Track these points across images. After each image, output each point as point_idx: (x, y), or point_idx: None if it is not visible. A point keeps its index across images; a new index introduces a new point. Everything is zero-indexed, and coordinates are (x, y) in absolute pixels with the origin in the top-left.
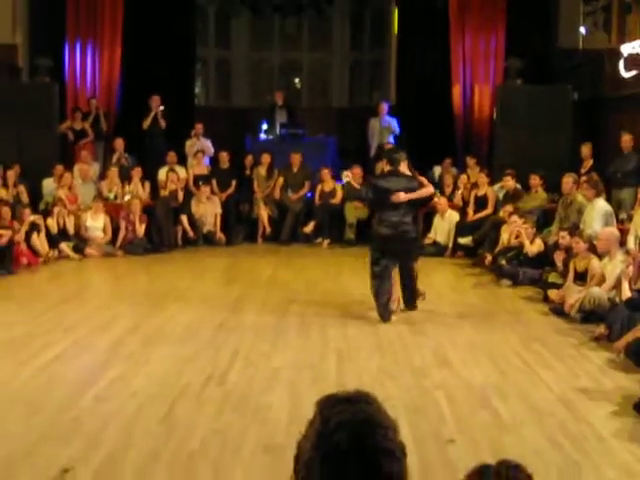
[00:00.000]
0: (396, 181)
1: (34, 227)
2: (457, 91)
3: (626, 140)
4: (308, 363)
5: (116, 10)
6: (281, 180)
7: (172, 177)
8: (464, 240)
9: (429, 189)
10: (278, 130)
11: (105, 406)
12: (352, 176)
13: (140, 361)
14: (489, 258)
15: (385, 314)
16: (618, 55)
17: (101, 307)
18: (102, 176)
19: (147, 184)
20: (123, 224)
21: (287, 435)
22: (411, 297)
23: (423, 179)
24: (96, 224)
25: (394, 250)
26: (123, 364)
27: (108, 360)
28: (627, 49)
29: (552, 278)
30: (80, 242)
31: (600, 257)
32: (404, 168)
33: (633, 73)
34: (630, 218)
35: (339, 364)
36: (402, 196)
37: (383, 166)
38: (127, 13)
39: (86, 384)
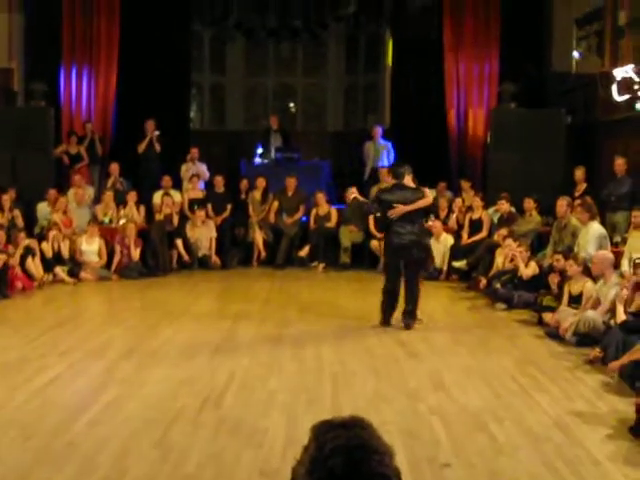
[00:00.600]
0: (400, 194)
1: (29, 251)
2: (451, 115)
3: (619, 164)
4: (303, 387)
5: (112, 35)
6: (276, 204)
7: (167, 201)
8: (458, 264)
9: (427, 199)
10: (273, 154)
11: (99, 430)
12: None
13: (135, 385)
14: (483, 281)
15: (386, 319)
16: (611, 79)
17: (96, 331)
18: (97, 200)
19: (142, 208)
20: (118, 248)
21: (283, 460)
22: (413, 308)
23: (425, 189)
24: (91, 248)
25: (404, 258)
26: (118, 388)
27: (103, 384)
28: (620, 73)
29: (547, 301)
30: (75, 266)
31: (595, 280)
32: (409, 181)
33: (626, 97)
34: (624, 241)
35: (334, 388)
36: (398, 209)
37: (378, 189)
38: (123, 38)
39: (80, 408)
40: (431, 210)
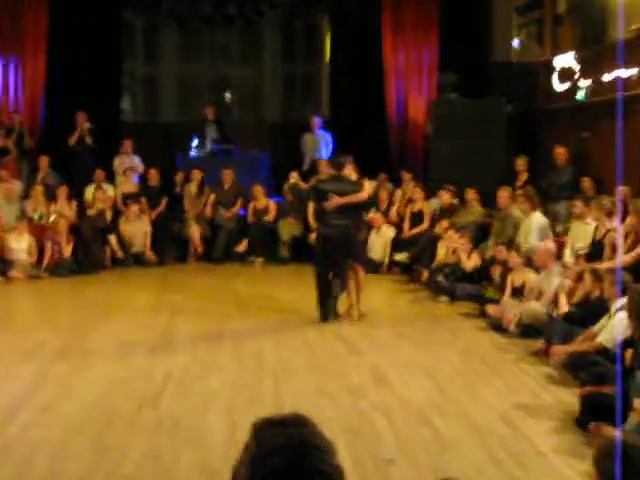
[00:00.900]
0: (337, 185)
1: None
2: (391, 105)
3: (560, 153)
4: (244, 385)
5: (39, 23)
6: (212, 197)
7: (100, 195)
8: (400, 256)
9: (362, 194)
10: (209, 146)
11: (34, 433)
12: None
13: (69, 386)
14: (425, 274)
15: (325, 315)
16: (551, 68)
17: (27, 332)
18: (26, 195)
19: (73, 203)
20: (49, 245)
21: (224, 459)
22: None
23: (365, 182)
24: (20, 245)
25: (332, 250)
26: (51, 390)
27: (36, 386)
28: (560, 61)
29: (489, 293)
30: (3, 264)
31: (537, 271)
32: (349, 172)
33: (566, 86)
34: (566, 231)
35: (275, 385)
36: (333, 201)
37: (316, 180)
38: (52, 26)
39: (13, 412)
40: (369, 205)
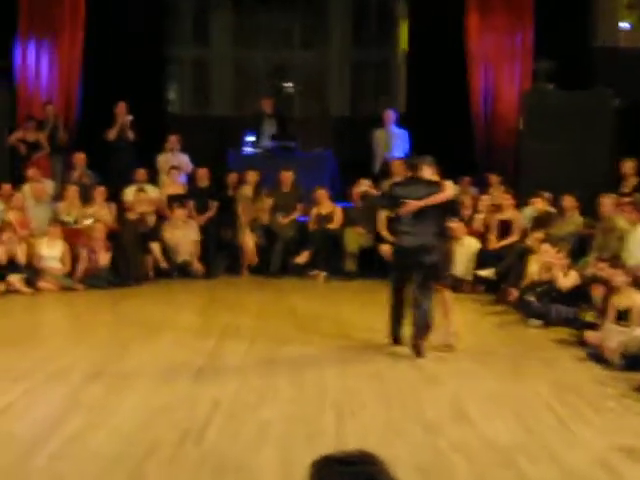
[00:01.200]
0: (414, 188)
1: None
2: (477, 98)
3: None
4: (302, 417)
5: (77, 4)
6: (269, 202)
7: (141, 198)
8: (485, 272)
9: (445, 193)
10: (266, 143)
11: (61, 467)
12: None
13: (103, 414)
14: (515, 294)
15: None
16: None
17: (57, 350)
18: (59, 196)
19: (112, 206)
20: (84, 253)
21: None
22: (420, 330)
23: (446, 183)
24: (52, 252)
25: (411, 265)
26: (82, 418)
27: (65, 413)
28: None
29: (589, 317)
30: (33, 274)
31: None
32: (428, 175)
33: None
34: None
35: (339, 419)
36: (409, 205)
37: (390, 183)
38: (90, 7)
39: (39, 441)
40: (452, 208)
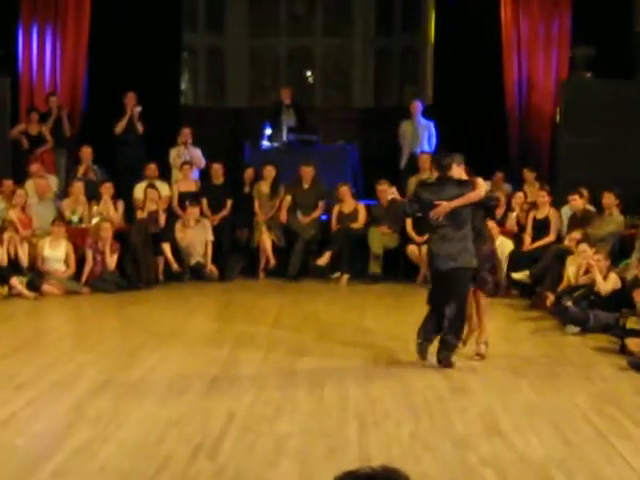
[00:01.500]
0: (444, 190)
1: None
2: (511, 88)
3: None
4: (322, 430)
5: None
6: (288, 199)
7: (152, 195)
8: (519, 275)
9: (478, 191)
10: (285, 136)
11: None
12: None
13: (110, 426)
14: (551, 298)
15: (439, 357)
16: None
17: (62, 358)
18: (64, 193)
19: (120, 204)
20: (90, 254)
21: None
22: (453, 338)
23: (478, 180)
24: (56, 254)
25: (447, 275)
26: (89, 430)
27: (70, 425)
28: None
29: (631, 324)
30: (36, 276)
31: None
32: (459, 174)
33: None
34: None
35: (361, 432)
36: (441, 208)
37: (418, 180)
38: None
39: (42, 456)
40: (488, 206)
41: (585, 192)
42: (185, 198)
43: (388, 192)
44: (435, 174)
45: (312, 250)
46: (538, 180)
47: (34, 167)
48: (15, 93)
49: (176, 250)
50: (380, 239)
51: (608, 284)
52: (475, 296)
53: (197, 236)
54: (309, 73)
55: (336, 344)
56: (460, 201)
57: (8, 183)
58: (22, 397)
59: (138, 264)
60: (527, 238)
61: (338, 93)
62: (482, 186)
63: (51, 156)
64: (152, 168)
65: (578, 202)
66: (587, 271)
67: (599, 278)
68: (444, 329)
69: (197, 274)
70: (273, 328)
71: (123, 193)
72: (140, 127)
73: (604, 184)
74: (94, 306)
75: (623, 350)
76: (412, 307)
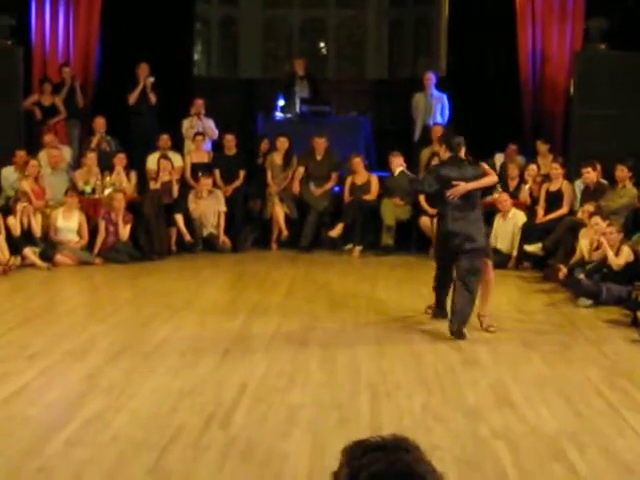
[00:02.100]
0: (460, 170)
1: None
2: (524, 60)
3: None
4: (334, 401)
5: None
6: (301, 170)
7: (165, 166)
8: (532, 247)
9: (492, 177)
10: (298, 107)
11: (79, 453)
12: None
13: (123, 396)
14: (564, 270)
15: (453, 329)
16: None
17: (75, 328)
18: (77, 164)
19: (133, 174)
20: (103, 225)
21: None
22: (462, 315)
23: (485, 166)
24: (69, 224)
25: (457, 249)
26: (102, 400)
27: (83, 395)
28: None
29: None
30: (49, 247)
31: None
32: (463, 154)
33: None
34: None
35: (373, 403)
36: (460, 187)
37: (431, 152)
38: None
39: (55, 425)
40: (490, 188)
41: (598, 165)
42: (198, 169)
43: (395, 163)
44: (441, 149)
45: (325, 222)
46: (551, 152)
47: (48, 137)
48: (28, 63)
49: (189, 221)
50: (393, 211)
51: (621, 258)
52: (485, 270)
53: (210, 207)
54: (322, 44)
55: (348, 316)
56: (478, 184)
57: (21, 154)
58: (35, 367)
59: (151, 235)
60: (540, 210)
61: (351, 65)
62: (494, 174)
63: (64, 127)
64: (165, 139)
65: (591, 175)
66: (600, 244)
67: (610, 254)
68: (460, 303)
69: (210, 245)
70: (285, 299)
71: (136, 164)
72: (153, 98)
73: (618, 156)
74: (107, 277)
75: (635, 323)
76: (424, 279)
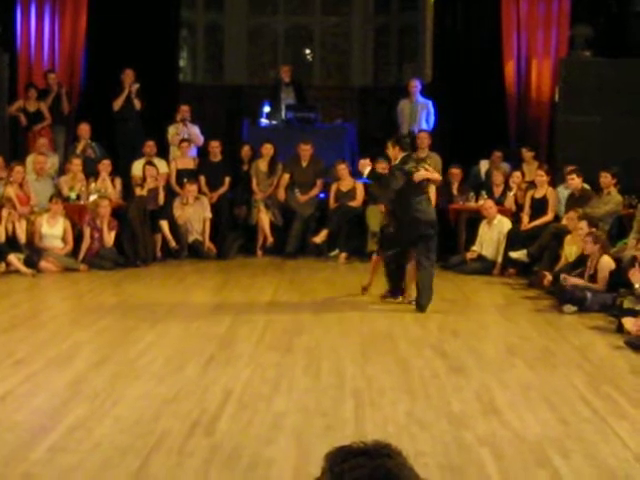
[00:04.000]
0: (416, 165)
1: None
2: (510, 66)
3: None
4: (319, 408)
5: None
6: (286, 177)
7: (150, 172)
8: (517, 254)
9: (439, 175)
10: (284, 114)
11: (63, 459)
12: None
13: (107, 403)
14: (548, 277)
15: (423, 302)
16: None
17: (59, 335)
18: (62, 170)
19: (118, 181)
20: (87, 231)
21: None
22: (427, 292)
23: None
24: (53, 231)
25: (414, 234)
26: (86, 407)
27: (67, 402)
28: None
29: (628, 303)
30: (34, 253)
31: None
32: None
33: None
34: None
35: (357, 409)
36: (422, 173)
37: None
38: None
39: (39, 431)
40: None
41: (581, 171)
42: (183, 175)
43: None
44: (395, 150)
45: (310, 228)
46: (536, 159)
47: (41, 141)
48: (13, 69)
49: (174, 227)
50: (378, 217)
51: (604, 271)
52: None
53: (195, 214)
54: (308, 51)
55: (333, 322)
56: (433, 175)
57: (4, 160)
58: (20, 373)
59: (136, 241)
60: (525, 217)
61: (337, 71)
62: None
63: (49, 133)
64: (151, 145)
65: (576, 181)
66: (585, 250)
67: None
68: (428, 281)
69: (195, 251)
70: (270, 306)
71: (121, 170)
72: (138, 104)
73: (603, 163)
74: (91, 283)
75: (620, 329)
76: (408, 286)
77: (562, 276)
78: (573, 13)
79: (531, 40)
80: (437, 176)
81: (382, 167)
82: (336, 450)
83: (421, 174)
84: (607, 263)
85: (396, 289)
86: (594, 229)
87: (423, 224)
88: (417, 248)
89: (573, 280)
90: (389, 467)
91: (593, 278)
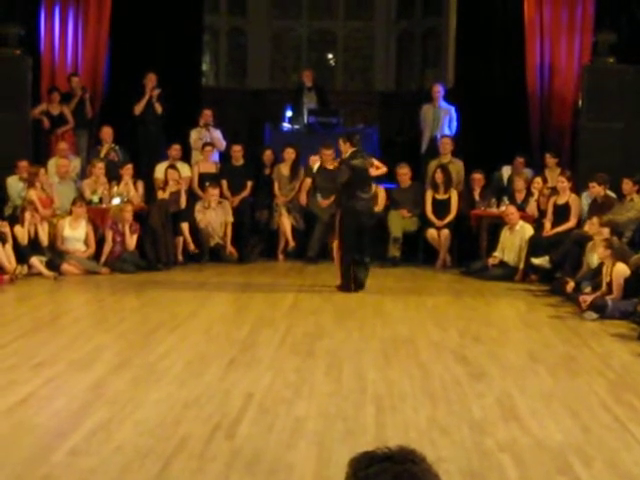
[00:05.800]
0: (363, 160)
1: None
2: (532, 72)
3: None
4: (340, 413)
5: None
6: (308, 181)
7: (172, 176)
8: (539, 260)
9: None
10: (306, 118)
11: (83, 462)
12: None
13: (128, 406)
14: (571, 284)
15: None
16: None
17: (81, 338)
18: (84, 174)
19: (140, 184)
20: (110, 234)
21: None
22: (364, 280)
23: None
24: (76, 234)
25: (361, 224)
26: (107, 410)
27: (88, 405)
28: None
29: None
30: (56, 256)
31: None
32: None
33: None
34: None
35: (379, 415)
36: (376, 164)
37: (438, 163)
38: None
39: (60, 434)
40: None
41: (606, 178)
42: (205, 179)
43: (312, 160)
44: (345, 145)
45: (331, 233)
46: (559, 165)
47: (62, 145)
48: (36, 73)
49: (195, 231)
50: (400, 222)
51: (619, 277)
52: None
53: (217, 217)
54: (330, 56)
55: (354, 327)
56: (380, 171)
57: (24, 164)
58: (40, 376)
59: (157, 245)
60: (547, 223)
61: (359, 76)
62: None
63: (72, 136)
64: (177, 149)
65: (597, 189)
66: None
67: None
68: (366, 263)
69: (216, 255)
70: (292, 310)
71: (144, 174)
72: (159, 108)
73: (626, 170)
74: (113, 286)
75: None
76: (431, 291)
77: (581, 298)
78: (596, 19)
79: (554, 46)
80: (384, 169)
81: (313, 160)
82: (360, 455)
83: (382, 169)
84: (621, 271)
85: (356, 282)
86: (614, 237)
87: (366, 215)
88: (360, 240)
89: (587, 298)
90: (414, 472)
91: (610, 286)
